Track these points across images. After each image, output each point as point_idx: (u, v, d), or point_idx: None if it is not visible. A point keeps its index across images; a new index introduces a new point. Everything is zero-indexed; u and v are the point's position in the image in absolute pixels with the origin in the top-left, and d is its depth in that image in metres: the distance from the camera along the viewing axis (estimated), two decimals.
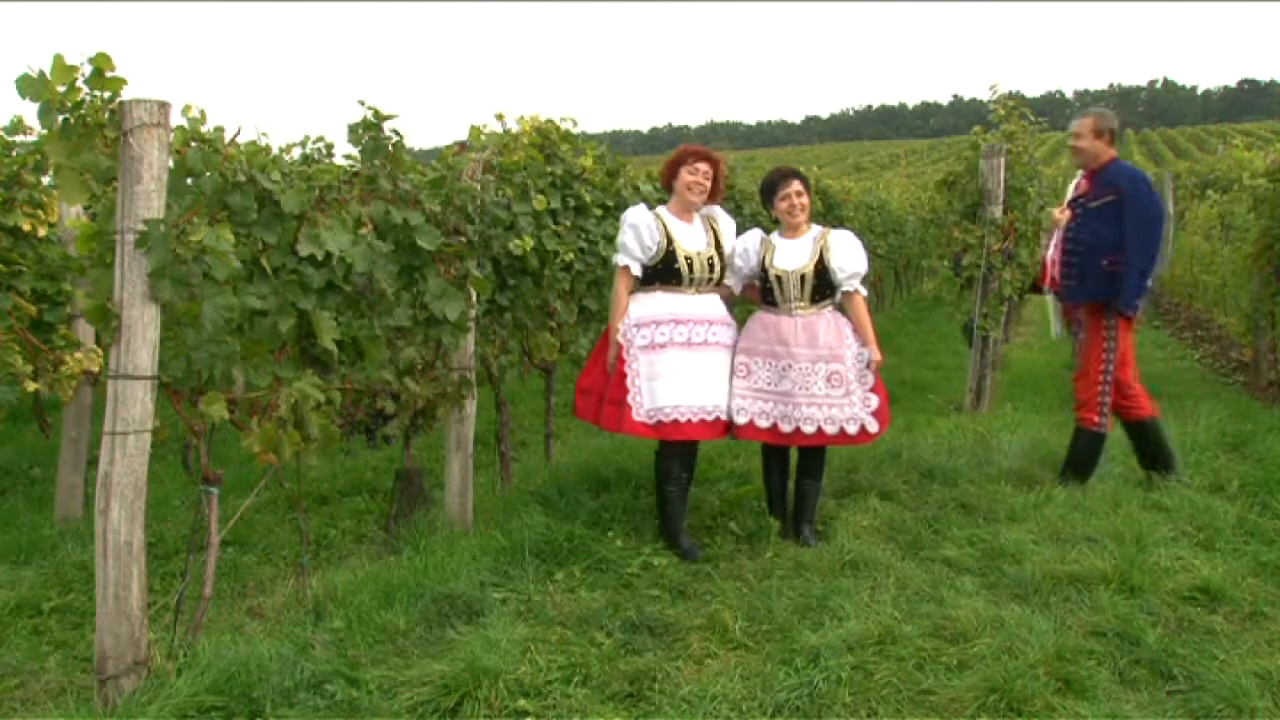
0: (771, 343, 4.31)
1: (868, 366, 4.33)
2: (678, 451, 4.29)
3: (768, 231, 4.49)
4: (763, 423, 4.27)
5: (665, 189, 4.46)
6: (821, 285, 4.33)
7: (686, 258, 4.24)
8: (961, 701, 2.90)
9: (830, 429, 4.24)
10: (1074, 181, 5.13)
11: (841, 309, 4.42)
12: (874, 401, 4.30)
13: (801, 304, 4.32)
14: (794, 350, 4.27)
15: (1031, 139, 7.84)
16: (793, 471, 4.54)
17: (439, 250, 4.13)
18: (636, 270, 4.23)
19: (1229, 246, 10.50)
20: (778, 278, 4.32)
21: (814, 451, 4.39)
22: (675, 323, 4.24)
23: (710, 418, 4.22)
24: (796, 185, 4.37)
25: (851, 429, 4.26)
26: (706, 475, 5.09)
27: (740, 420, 4.28)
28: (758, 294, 4.43)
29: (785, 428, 4.26)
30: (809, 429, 4.24)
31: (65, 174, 2.93)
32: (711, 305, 4.34)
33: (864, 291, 4.42)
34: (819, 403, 4.25)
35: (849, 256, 4.35)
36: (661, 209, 4.35)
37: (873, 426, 4.28)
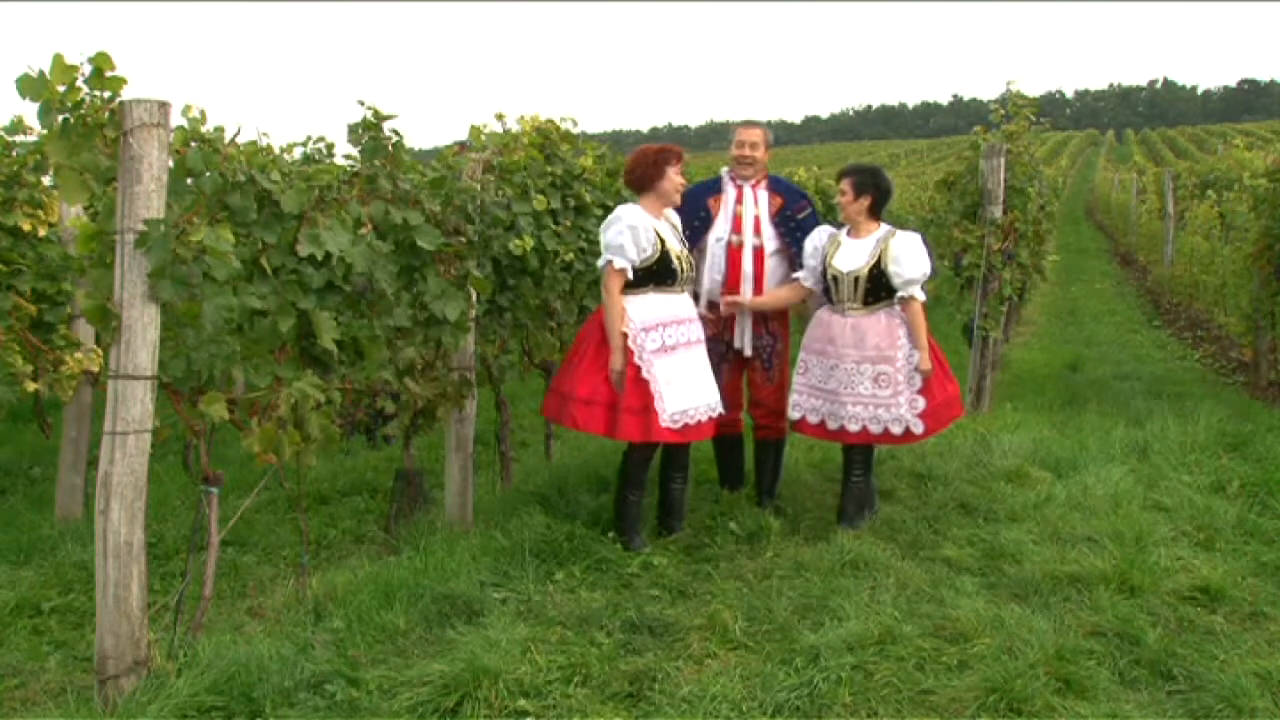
0: (823, 341, 4.41)
1: (916, 370, 4.32)
2: (647, 456, 4.29)
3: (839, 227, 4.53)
4: (813, 419, 4.41)
5: (642, 188, 4.25)
6: (876, 288, 4.32)
7: (677, 257, 4.22)
8: (961, 701, 2.91)
9: (875, 428, 4.31)
10: (745, 200, 4.59)
11: None
12: (920, 404, 4.31)
13: (854, 305, 4.35)
14: (841, 350, 4.34)
15: (1033, 139, 7.83)
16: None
17: (439, 250, 4.12)
18: (630, 273, 4.14)
19: (1229, 246, 10.49)
20: (834, 278, 4.36)
21: (859, 449, 4.45)
22: (678, 323, 4.23)
23: (715, 414, 4.28)
24: (842, 184, 4.43)
25: (896, 429, 4.31)
26: (708, 475, 5.09)
27: (794, 415, 4.45)
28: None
29: (831, 425, 4.36)
30: (854, 427, 4.31)
31: (65, 174, 2.93)
32: (691, 303, 4.37)
33: (921, 297, 4.35)
34: (864, 402, 4.31)
35: (909, 262, 4.30)
36: (639, 209, 4.21)
37: (917, 428, 4.31)
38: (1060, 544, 4.14)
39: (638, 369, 4.10)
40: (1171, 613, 3.52)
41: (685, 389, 4.16)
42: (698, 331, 4.31)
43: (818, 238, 4.46)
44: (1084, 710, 2.86)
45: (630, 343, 4.11)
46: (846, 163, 4.89)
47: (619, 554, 4.09)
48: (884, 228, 4.42)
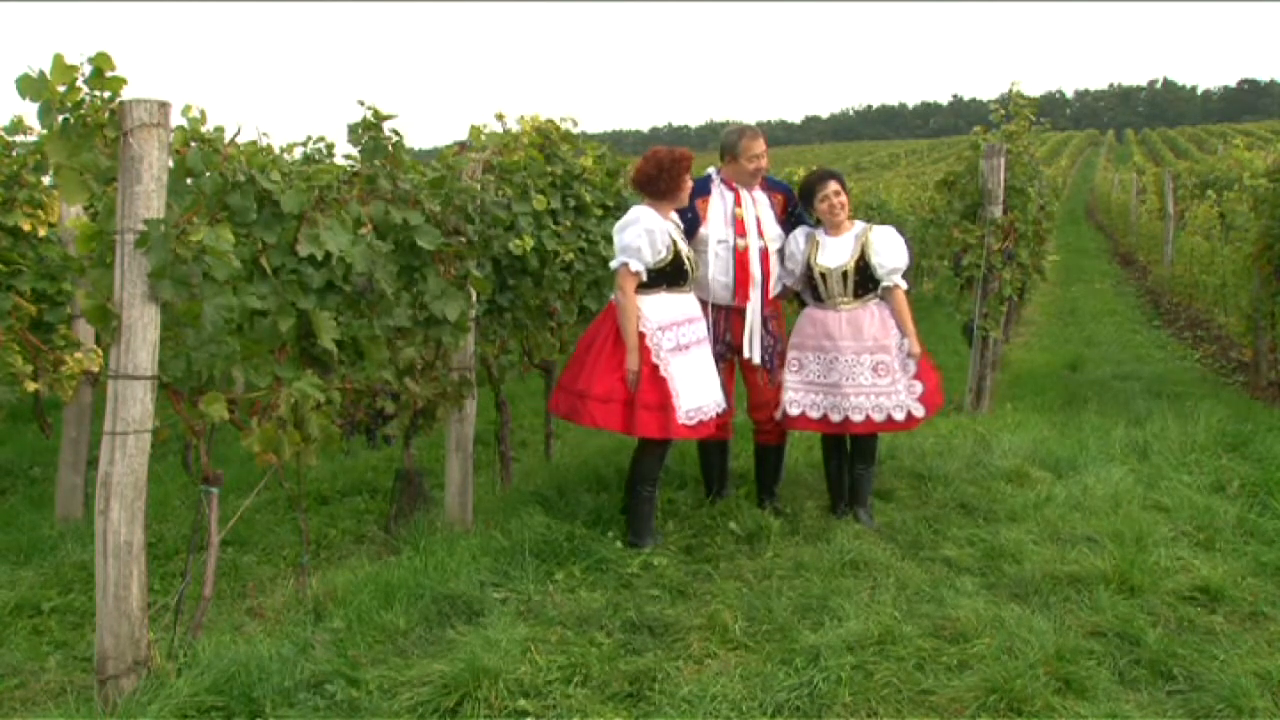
0: (819, 337, 4.49)
1: (909, 356, 4.49)
2: (662, 452, 4.33)
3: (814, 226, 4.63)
4: (814, 414, 4.49)
5: (662, 196, 4.26)
6: (864, 280, 4.48)
7: (687, 258, 4.28)
8: (961, 701, 2.91)
9: (878, 417, 4.43)
10: (745, 203, 4.53)
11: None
12: (918, 388, 4.48)
13: (845, 299, 4.49)
14: (840, 344, 4.45)
15: (1033, 139, 7.84)
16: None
17: (439, 250, 4.12)
18: (644, 274, 4.17)
19: (1229, 246, 10.50)
20: (822, 275, 4.48)
21: (865, 439, 4.57)
22: (689, 322, 4.30)
23: (721, 410, 4.36)
24: (833, 185, 4.52)
25: (898, 415, 4.44)
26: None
27: (793, 411, 4.51)
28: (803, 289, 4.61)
29: (835, 417, 4.45)
30: (857, 418, 4.43)
31: (65, 174, 2.93)
32: (697, 303, 4.42)
33: (904, 285, 4.55)
34: (866, 392, 4.42)
35: (889, 253, 4.50)
36: (653, 211, 4.23)
37: (918, 411, 4.47)
38: (1060, 544, 4.14)
39: (655, 367, 4.15)
40: (1171, 613, 3.52)
41: (697, 387, 4.23)
42: (703, 330, 4.39)
43: (797, 240, 4.56)
44: (1084, 710, 2.86)
45: (647, 341, 4.16)
46: (822, 167, 5.02)
47: (619, 554, 4.09)
48: (859, 224, 4.58)
